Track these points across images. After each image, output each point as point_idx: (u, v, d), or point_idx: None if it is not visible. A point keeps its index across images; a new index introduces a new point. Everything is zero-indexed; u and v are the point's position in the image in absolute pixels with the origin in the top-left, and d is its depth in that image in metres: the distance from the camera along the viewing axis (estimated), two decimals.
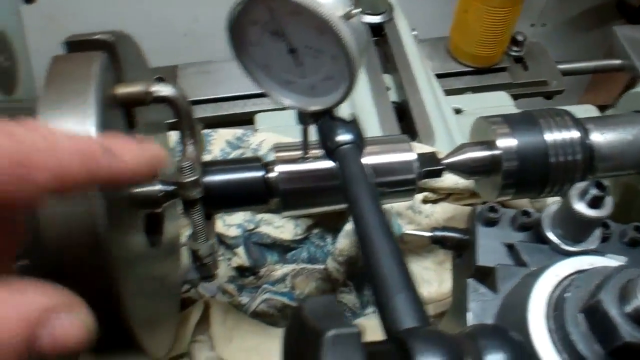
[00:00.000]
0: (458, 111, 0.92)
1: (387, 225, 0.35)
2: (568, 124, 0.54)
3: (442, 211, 0.74)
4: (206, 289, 0.80)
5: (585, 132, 0.54)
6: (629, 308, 0.30)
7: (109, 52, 0.46)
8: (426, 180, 0.72)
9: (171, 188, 0.51)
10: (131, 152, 0.31)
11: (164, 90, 0.47)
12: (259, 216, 0.86)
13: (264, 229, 0.85)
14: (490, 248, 0.45)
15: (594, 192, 0.38)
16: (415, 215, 0.72)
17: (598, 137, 0.54)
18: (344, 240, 0.77)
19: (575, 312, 0.33)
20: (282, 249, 0.87)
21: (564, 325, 0.33)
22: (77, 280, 0.41)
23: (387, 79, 0.92)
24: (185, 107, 0.48)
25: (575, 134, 0.53)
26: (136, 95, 0.47)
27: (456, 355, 0.27)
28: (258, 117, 0.91)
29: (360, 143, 0.41)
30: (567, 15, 1.50)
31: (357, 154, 0.40)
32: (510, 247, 0.44)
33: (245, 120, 1.01)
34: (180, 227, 0.76)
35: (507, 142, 0.54)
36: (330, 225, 0.85)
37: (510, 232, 0.45)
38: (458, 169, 0.55)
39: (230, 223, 0.84)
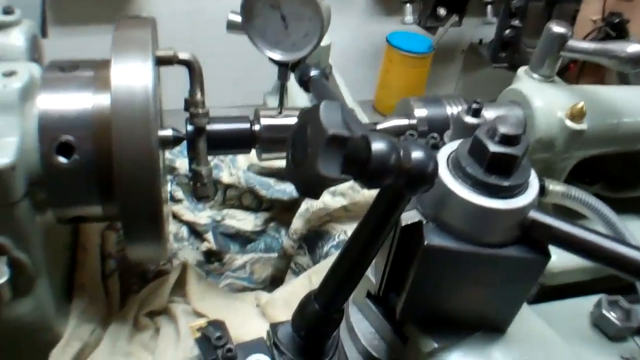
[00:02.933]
0: None
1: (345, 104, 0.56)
2: (462, 103, 0.78)
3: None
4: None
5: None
6: (494, 138, 0.52)
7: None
8: None
9: (179, 134, 0.70)
10: None
11: (185, 55, 0.68)
12: (225, 211, 1.03)
13: (228, 222, 1.02)
14: None
15: (475, 105, 0.61)
16: (355, 194, 0.92)
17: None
18: (298, 220, 0.95)
19: (465, 153, 0.54)
20: (243, 239, 1.03)
21: (458, 162, 0.54)
22: (130, 182, 0.58)
23: None
24: (198, 67, 0.68)
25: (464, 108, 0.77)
26: (168, 57, 0.67)
27: (393, 144, 0.47)
28: None
29: (325, 74, 0.63)
30: None
31: (322, 79, 0.61)
32: None
33: None
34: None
35: (420, 113, 0.77)
36: (284, 219, 1.03)
37: None
38: (388, 131, 0.77)
39: (201, 215, 1.01)
